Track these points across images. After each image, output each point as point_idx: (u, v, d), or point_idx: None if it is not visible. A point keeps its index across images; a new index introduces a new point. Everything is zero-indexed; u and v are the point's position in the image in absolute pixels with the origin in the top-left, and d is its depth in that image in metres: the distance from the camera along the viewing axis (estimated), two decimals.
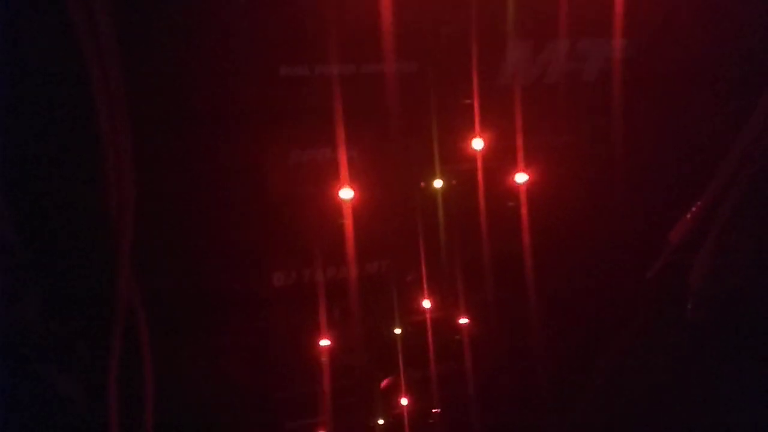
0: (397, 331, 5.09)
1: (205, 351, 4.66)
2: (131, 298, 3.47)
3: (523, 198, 4.01)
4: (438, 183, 4.08)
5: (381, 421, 6.47)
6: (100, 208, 3.32)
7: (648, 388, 4.21)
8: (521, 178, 4.00)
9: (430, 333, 4.93)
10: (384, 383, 6.10)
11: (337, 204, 3.90)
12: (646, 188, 4.44)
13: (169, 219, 4.02)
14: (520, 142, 3.95)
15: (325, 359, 4.85)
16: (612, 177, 4.26)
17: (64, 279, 3.46)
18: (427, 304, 4.95)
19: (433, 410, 6.51)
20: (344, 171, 3.67)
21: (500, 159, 4.04)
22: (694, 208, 3.92)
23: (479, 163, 3.95)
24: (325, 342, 4.86)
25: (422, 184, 4.12)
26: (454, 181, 4.10)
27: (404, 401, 6.27)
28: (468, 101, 3.79)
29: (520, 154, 3.95)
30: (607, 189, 4.35)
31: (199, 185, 4.09)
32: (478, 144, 3.91)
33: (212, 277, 4.29)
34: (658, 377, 4.21)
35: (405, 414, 6.20)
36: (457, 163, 4.06)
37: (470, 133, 3.95)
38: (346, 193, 3.67)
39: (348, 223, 3.76)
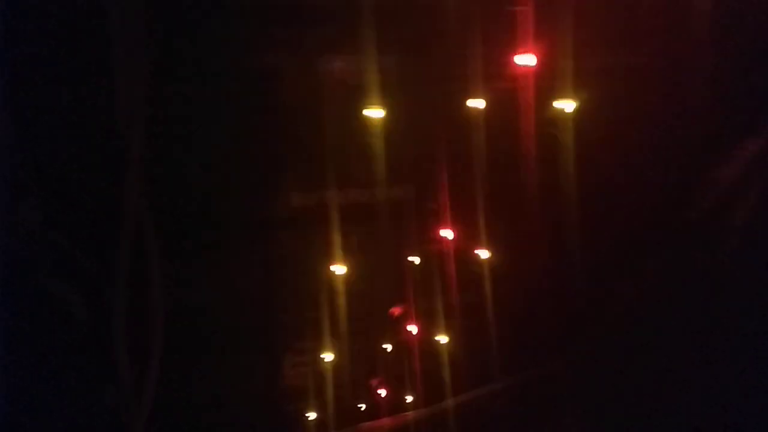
0: (415, 259, 4.92)
1: (217, 273, 4.46)
2: (140, 210, 3.20)
3: (564, 125, 3.69)
4: (474, 102, 3.69)
5: (388, 348, 6.51)
6: (111, 109, 3.01)
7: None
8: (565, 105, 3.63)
9: (450, 262, 4.73)
10: (395, 311, 6.02)
11: (364, 123, 3.58)
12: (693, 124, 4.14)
13: (184, 130, 3.71)
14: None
15: (339, 285, 4.70)
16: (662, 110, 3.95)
17: (67, 184, 3.19)
18: (448, 234, 4.73)
19: (437, 338, 6.54)
20: (374, 89, 3.32)
21: (546, 81, 3.68)
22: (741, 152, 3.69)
23: (523, 82, 3.56)
24: (340, 268, 4.69)
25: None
26: (489, 103, 3.74)
27: (413, 329, 6.43)
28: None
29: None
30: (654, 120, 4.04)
31: (218, 97, 3.74)
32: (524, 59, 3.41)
33: (228, 195, 4.03)
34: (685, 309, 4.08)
35: (412, 341, 6.25)
36: (499, 81, 3.69)
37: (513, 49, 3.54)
38: (375, 113, 3.34)
39: (374, 142, 3.45)
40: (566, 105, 3.57)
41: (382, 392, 7.07)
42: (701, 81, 3.39)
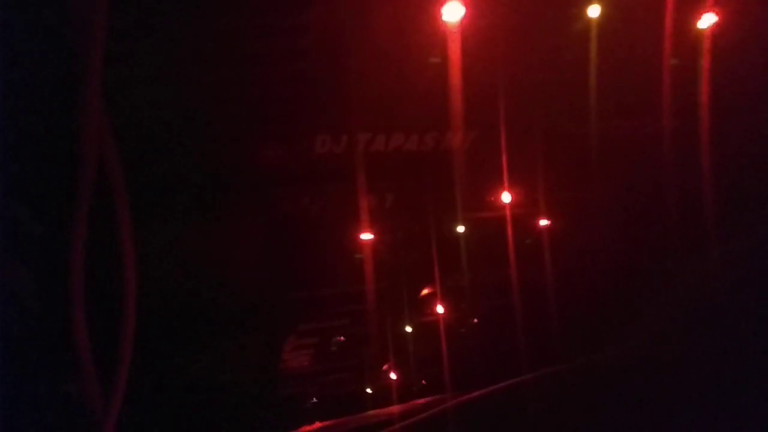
0: (461, 228, 3.94)
1: (209, 237, 3.55)
2: (104, 147, 2.27)
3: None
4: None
5: (409, 329, 5.77)
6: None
7: None
8: None
9: (509, 230, 3.77)
10: (425, 290, 5.22)
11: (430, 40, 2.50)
12: None
13: (175, 52, 2.65)
14: None
15: (366, 254, 3.73)
16: None
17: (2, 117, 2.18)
18: (507, 198, 3.73)
19: (471, 320, 5.78)
20: None
21: None
22: None
23: None
24: (367, 235, 3.70)
25: None
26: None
27: (440, 309, 5.65)
28: None
29: None
30: None
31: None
32: None
33: (227, 139, 3.01)
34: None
35: (439, 322, 5.53)
36: None
37: None
38: (453, 12, 2.23)
39: (449, 61, 2.39)
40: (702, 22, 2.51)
41: (393, 376, 6.48)
42: None
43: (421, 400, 5.99)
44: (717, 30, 2.76)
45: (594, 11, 2.55)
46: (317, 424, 5.78)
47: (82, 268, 2.36)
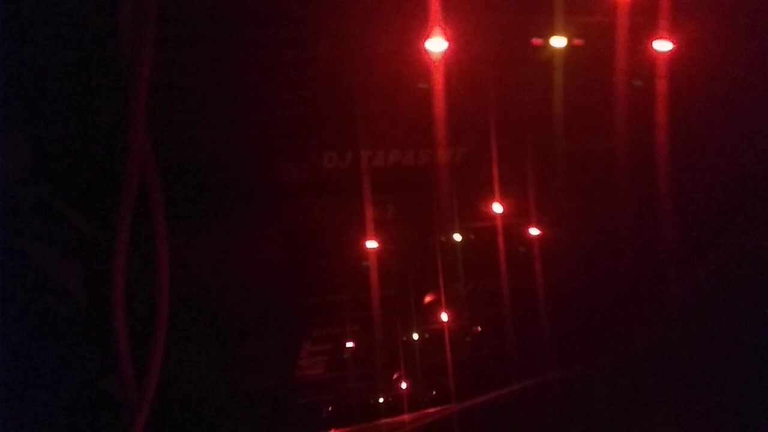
0: (458, 237, 4.31)
1: (228, 246, 3.87)
2: (145, 161, 2.58)
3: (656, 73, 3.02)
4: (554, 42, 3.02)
5: (415, 336, 5.99)
6: (113, 39, 2.40)
7: None
8: None
9: (498, 241, 4.11)
10: (427, 298, 5.48)
11: (418, 68, 2.92)
12: None
13: (200, 77, 3.07)
14: None
15: (370, 263, 4.09)
16: None
17: (60, 128, 2.60)
18: (498, 208, 4.10)
19: (475, 328, 5.99)
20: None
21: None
22: None
23: None
24: (372, 243, 4.08)
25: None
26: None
27: (444, 317, 5.86)
28: None
29: None
30: None
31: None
32: None
33: (246, 155, 3.41)
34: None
35: (444, 331, 5.73)
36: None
37: None
38: (437, 45, 2.65)
39: (433, 87, 2.79)
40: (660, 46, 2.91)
41: (404, 385, 6.62)
42: None
43: (431, 409, 6.18)
44: (678, 51, 3.11)
45: (560, 41, 2.96)
46: None
47: (124, 270, 2.66)
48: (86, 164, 2.73)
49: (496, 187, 3.88)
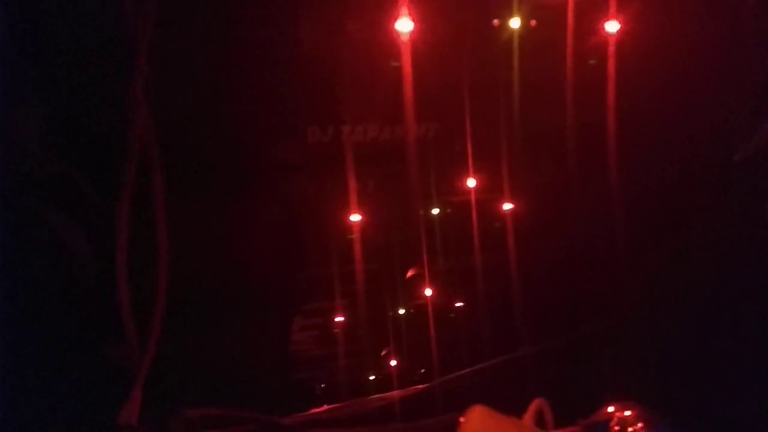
0: (435, 211, 4.60)
1: (222, 221, 4.11)
2: (146, 134, 2.84)
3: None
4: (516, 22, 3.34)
5: (402, 312, 6.20)
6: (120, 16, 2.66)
7: None
8: None
9: (473, 215, 4.39)
10: (410, 273, 5.70)
11: (390, 47, 3.23)
12: None
13: (194, 60, 3.35)
14: None
15: (354, 236, 4.36)
16: None
17: (71, 97, 2.88)
18: (472, 182, 4.39)
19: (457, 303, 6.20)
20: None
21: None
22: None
23: None
24: (356, 217, 4.36)
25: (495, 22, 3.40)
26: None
27: (428, 292, 6.09)
28: None
29: None
30: None
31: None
32: None
33: (238, 131, 3.69)
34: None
35: (428, 305, 5.94)
36: None
37: None
38: (405, 25, 2.96)
39: (402, 66, 3.10)
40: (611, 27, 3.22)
41: (393, 362, 6.77)
42: None
43: (421, 386, 6.36)
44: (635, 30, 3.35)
45: (516, 23, 3.28)
46: (325, 407, 6.19)
47: (127, 239, 2.88)
48: (94, 135, 3.00)
49: (470, 163, 4.18)
